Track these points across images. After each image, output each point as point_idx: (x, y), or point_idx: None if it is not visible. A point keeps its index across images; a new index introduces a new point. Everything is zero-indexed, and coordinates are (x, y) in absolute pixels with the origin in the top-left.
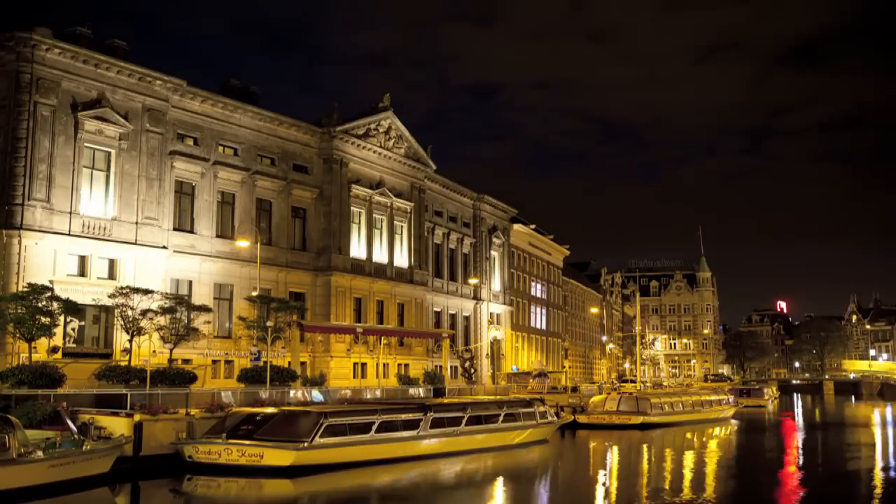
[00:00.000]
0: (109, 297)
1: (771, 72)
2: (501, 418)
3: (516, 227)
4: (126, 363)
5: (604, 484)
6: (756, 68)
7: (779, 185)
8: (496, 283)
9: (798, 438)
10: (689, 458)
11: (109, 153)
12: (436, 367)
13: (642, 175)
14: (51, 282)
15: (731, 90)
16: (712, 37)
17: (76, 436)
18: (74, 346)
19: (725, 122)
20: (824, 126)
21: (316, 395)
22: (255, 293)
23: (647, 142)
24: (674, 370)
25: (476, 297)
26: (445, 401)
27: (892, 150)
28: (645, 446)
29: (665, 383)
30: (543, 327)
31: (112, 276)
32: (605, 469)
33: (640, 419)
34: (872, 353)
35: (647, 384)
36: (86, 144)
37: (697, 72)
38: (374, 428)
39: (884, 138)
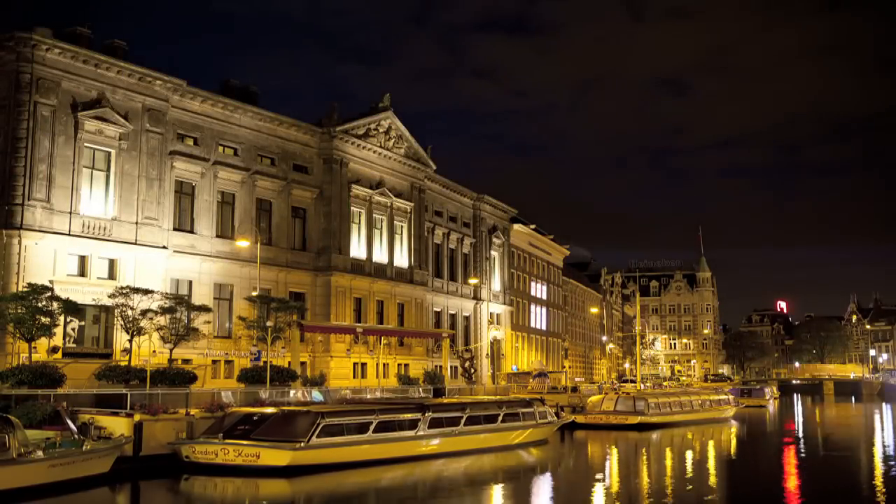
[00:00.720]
0: (109, 297)
1: (649, 100)
2: (501, 418)
3: (516, 227)
4: (126, 363)
5: (603, 484)
6: (634, 97)
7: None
8: (496, 283)
9: (798, 438)
10: (687, 458)
11: (109, 153)
12: (436, 367)
13: (572, 186)
14: (51, 282)
15: (618, 116)
16: (584, 72)
17: (76, 436)
18: (74, 346)
19: (626, 144)
20: (720, 144)
21: (316, 395)
22: (255, 293)
23: (558, 159)
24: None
25: (476, 297)
26: (444, 401)
27: (787, 164)
28: (643, 447)
29: (665, 383)
30: (543, 327)
31: (112, 276)
32: (603, 469)
33: (637, 419)
34: (872, 353)
35: (648, 384)
36: (86, 144)
37: (582, 101)
38: (372, 428)
39: (775, 154)
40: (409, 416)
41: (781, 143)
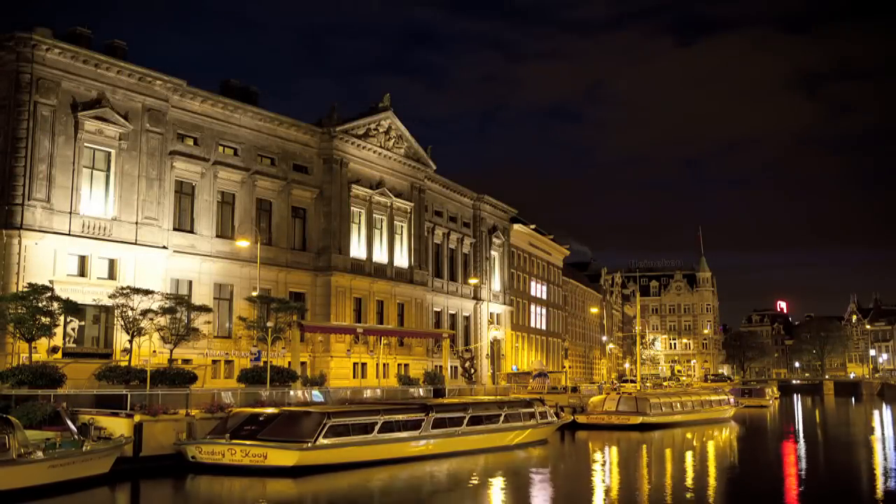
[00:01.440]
0: (109, 297)
1: (546, 126)
2: (502, 419)
3: (516, 227)
4: (126, 363)
5: (603, 484)
6: (532, 124)
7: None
8: (496, 283)
9: (798, 438)
10: (688, 459)
11: (109, 153)
12: (436, 367)
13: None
14: (51, 282)
15: (520, 142)
16: (478, 105)
17: (76, 436)
18: (74, 346)
19: (533, 166)
20: (623, 161)
21: (316, 395)
22: (255, 293)
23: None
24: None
25: (476, 297)
26: (447, 401)
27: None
28: (644, 447)
29: (665, 383)
30: (543, 327)
31: (112, 276)
32: (604, 469)
33: (639, 419)
34: (872, 353)
35: (648, 384)
36: (86, 144)
37: (483, 131)
38: (377, 428)
39: (679, 169)
40: (412, 416)
41: (683, 158)
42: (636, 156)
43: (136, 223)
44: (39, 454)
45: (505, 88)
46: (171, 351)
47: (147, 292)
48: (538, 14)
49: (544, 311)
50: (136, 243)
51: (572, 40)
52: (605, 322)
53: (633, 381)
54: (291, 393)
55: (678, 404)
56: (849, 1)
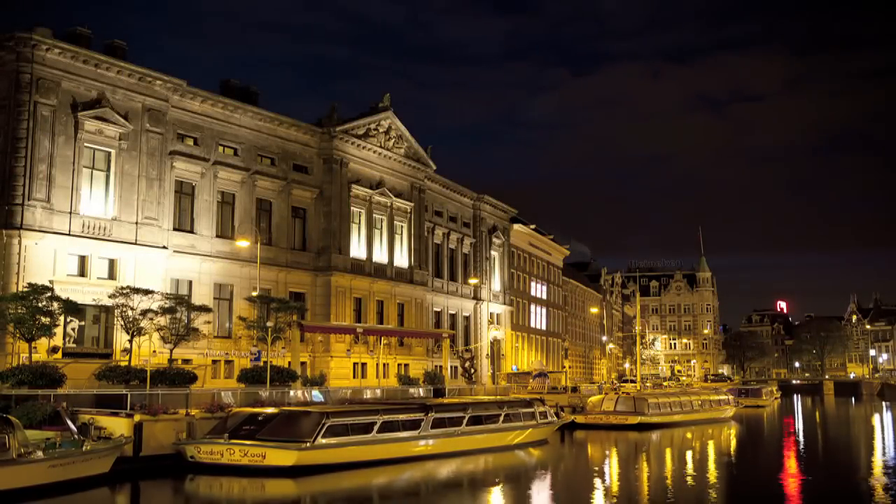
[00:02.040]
0: (109, 297)
1: (490, 146)
2: (502, 419)
3: (516, 227)
4: (126, 363)
5: (603, 484)
6: (463, 144)
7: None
8: (496, 283)
9: (798, 438)
10: (687, 459)
11: (109, 153)
12: (436, 367)
13: None
14: (51, 282)
15: (458, 160)
16: (411, 122)
17: (76, 436)
18: (74, 346)
19: (478, 183)
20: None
21: (316, 395)
22: (255, 293)
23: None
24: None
25: (476, 297)
26: (446, 401)
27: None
28: (643, 448)
29: (665, 383)
30: (543, 327)
31: (112, 276)
32: (603, 469)
33: (637, 419)
34: (872, 353)
35: (648, 384)
36: (86, 144)
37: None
38: (376, 428)
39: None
40: (412, 416)
41: (613, 170)
42: (569, 168)
43: (136, 223)
44: (39, 454)
45: (421, 112)
46: (171, 351)
47: (147, 292)
48: (434, 52)
49: (544, 311)
50: (136, 243)
51: (474, 73)
52: (605, 322)
53: (633, 381)
54: (291, 393)
55: (677, 404)
56: (725, 36)
